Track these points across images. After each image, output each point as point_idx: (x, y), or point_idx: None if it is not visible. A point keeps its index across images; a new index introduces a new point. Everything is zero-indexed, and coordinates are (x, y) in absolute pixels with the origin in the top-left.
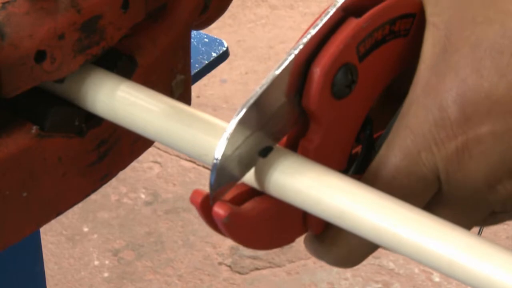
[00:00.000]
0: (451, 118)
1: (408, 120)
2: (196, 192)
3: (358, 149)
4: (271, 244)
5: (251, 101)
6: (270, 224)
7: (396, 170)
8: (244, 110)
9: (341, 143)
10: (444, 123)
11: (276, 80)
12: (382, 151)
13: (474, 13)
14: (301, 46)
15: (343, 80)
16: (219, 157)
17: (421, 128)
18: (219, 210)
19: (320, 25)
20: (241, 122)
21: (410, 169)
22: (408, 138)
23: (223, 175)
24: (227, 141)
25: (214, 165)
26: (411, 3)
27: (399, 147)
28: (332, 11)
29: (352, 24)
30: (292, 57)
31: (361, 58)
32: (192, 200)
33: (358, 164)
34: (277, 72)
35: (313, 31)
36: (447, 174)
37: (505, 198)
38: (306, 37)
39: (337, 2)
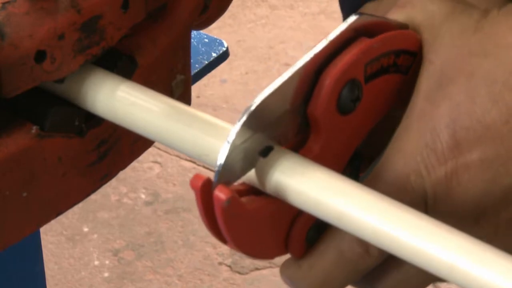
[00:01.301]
0: (443, 142)
1: (399, 144)
2: (196, 176)
3: None
4: (256, 250)
5: (256, 104)
6: (262, 225)
7: (385, 194)
8: (250, 110)
9: (337, 158)
10: (435, 147)
11: (284, 85)
12: (372, 174)
13: (470, 48)
14: (313, 54)
15: (349, 94)
16: (222, 162)
17: (413, 151)
18: (220, 193)
19: (332, 38)
20: (245, 125)
21: (399, 193)
22: (399, 162)
23: (225, 176)
24: (230, 145)
25: (217, 172)
26: (414, 40)
27: (389, 170)
28: (343, 28)
29: (364, 42)
30: (303, 63)
31: (367, 79)
32: (192, 184)
33: None
34: (287, 76)
35: (325, 42)
36: (435, 200)
37: (488, 234)
38: (318, 47)
39: (348, 20)
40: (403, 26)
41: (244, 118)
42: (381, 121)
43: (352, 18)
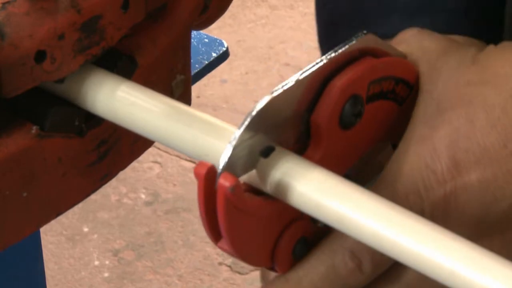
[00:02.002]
0: (443, 163)
1: (397, 166)
2: (201, 164)
3: None
4: (245, 251)
5: (266, 100)
6: (257, 225)
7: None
8: (260, 107)
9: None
10: (435, 168)
11: (290, 90)
12: None
13: (468, 78)
14: (322, 63)
15: (352, 108)
16: (224, 165)
17: (412, 172)
18: (225, 181)
19: (339, 51)
20: (252, 121)
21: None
22: (398, 182)
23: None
24: (232, 148)
25: (219, 174)
26: (413, 72)
27: (387, 190)
28: (348, 45)
29: (370, 61)
30: (311, 71)
31: (368, 99)
32: (197, 171)
33: None
34: (293, 81)
35: (332, 54)
36: (432, 220)
37: None
38: (326, 57)
39: (353, 39)
40: (403, 56)
41: (254, 113)
42: (371, 151)
43: (360, 35)
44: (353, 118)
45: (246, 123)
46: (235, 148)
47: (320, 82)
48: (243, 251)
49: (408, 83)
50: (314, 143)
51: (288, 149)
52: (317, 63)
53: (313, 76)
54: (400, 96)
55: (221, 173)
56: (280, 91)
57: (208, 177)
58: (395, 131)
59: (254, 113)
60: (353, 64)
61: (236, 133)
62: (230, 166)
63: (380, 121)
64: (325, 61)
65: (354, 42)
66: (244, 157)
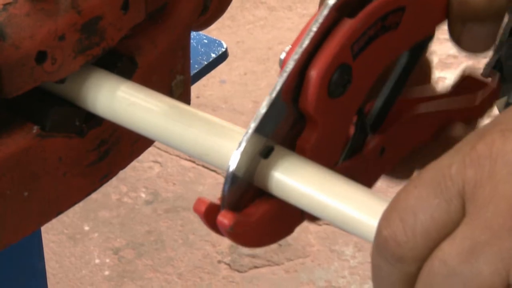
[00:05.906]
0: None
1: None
2: (199, 201)
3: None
4: (273, 239)
5: (262, 113)
6: (272, 223)
7: (419, 179)
8: (257, 121)
9: (335, 139)
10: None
11: (279, 91)
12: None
13: None
14: (298, 56)
15: (339, 81)
16: (233, 170)
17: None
18: (224, 220)
19: (314, 29)
20: (253, 134)
21: (434, 181)
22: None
23: (235, 183)
24: (240, 156)
25: (227, 177)
26: None
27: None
28: (325, 12)
29: (347, 25)
30: (292, 65)
31: (355, 56)
32: (196, 209)
33: (350, 147)
34: (283, 81)
35: (308, 36)
36: (475, 186)
37: None
38: (303, 43)
39: (329, 1)
40: None
41: (257, 121)
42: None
43: (332, 1)
44: (342, 88)
45: (251, 131)
46: (236, 172)
47: (301, 66)
48: (271, 239)
49: (398, 9)
50: (309, 123)
51: (285, 135)
52: (293, 58)
53: (292, 69)
54: (392, 23)
55: (223, 206)
56: (274, 94)
57: (208, 214)
58: (400, 47)
59: (257, 121)
60: (328, 36)
61: (242, 142)
62: (238, 177)
63: (377, 58)
64: (303, 49)
65: (327, 12)
66: (246, 161)
